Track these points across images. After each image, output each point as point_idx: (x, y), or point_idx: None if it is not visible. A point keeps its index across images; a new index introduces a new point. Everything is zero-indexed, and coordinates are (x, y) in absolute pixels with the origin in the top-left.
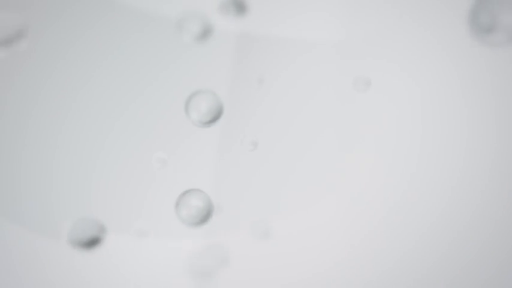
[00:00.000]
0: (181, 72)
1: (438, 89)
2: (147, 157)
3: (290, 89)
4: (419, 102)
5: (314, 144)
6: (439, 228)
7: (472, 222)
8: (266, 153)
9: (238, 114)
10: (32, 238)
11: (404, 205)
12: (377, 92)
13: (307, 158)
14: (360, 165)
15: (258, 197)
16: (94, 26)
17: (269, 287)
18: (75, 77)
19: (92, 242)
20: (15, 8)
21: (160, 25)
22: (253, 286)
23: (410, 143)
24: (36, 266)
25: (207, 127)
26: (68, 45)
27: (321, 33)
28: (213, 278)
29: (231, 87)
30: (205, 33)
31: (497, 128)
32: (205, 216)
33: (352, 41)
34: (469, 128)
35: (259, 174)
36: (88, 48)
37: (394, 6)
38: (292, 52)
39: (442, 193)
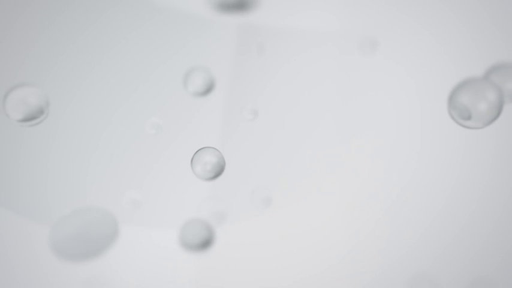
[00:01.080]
0: (181, 45)
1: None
2: (141, 123)
3: (291, 57)
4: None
5: (316, 116)
6: (443, 221)
7: (477, 209)
8: (266, 122)
9: (238, 83)
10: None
11: (412, 178)
12: (385, 55)
13: (309, 127)
14: (363, 137)
15: (258, 165)
16: None
17: (267, 254)
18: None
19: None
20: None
21: None
22: (252, 252)
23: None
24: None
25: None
26: (65, 8)
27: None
28: (211, 244)
29: (233, 57)
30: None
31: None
32: (219, 171)
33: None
34: None
35: (258, 144)
36: (84, 16)
37: None
38: (296, 23)
39: (445, 189)
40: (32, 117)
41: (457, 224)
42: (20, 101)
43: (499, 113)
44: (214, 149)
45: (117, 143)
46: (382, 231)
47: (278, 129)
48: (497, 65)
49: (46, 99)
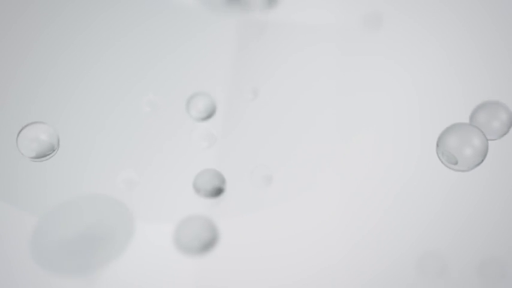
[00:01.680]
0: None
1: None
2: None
3: (293, 38)
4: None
5: (316, 96)
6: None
7: (483, 194)
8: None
9: (240, 66)
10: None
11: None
12: (389, 32)
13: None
14: (366, 129)
15: (258, 144)
16: None
17: (266, 231)
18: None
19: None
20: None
21: None
22: (251, 231)
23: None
24: None
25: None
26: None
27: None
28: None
29: (236, 40)
30: None
31: None
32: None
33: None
34: None
35: (258, 123)
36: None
37: None
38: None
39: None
40: (44, 154)
41: (461, 215)
42: (33, 139)
43: (483, 158)
44: None
45: (113, 121)
46: (384, 225)
47: (278, 109)
48: (483, 104)
49: (57, 137)
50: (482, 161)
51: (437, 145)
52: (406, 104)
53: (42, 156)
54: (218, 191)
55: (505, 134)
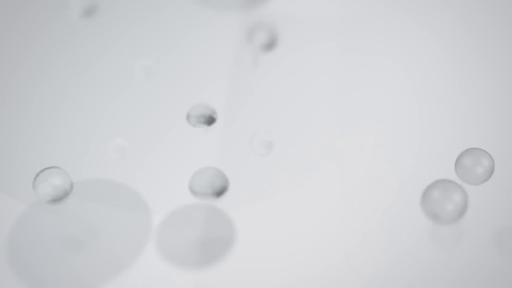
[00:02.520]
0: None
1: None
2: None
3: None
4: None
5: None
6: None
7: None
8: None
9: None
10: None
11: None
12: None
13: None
14: (365, 123)
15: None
16: None
17: (267, 197)
18: None
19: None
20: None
21: None
22: (251, 197)
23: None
24: None
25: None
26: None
27: None
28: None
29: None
30: None
31: None
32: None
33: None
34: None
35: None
36: None
37: None
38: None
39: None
40: (59, 198)
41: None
42: (48, 185)
43: (463, 215)
44: None
45: (104, 88)
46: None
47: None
48: (467, 151)
49: (71, 182)
50: (462, 216)
51: (421, 202)
52: (405, 100)
53: (57, 200)
54: (211, 120)
55: (486, 180)
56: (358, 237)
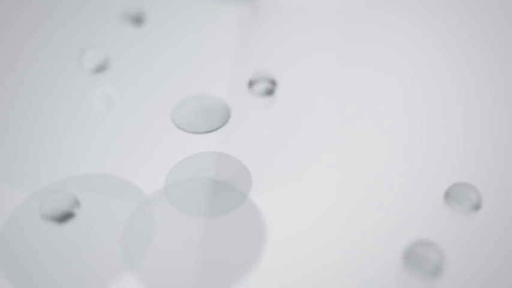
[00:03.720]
0: None
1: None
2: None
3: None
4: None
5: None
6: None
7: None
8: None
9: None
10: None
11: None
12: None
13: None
14: (366, 118)
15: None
16: None
17: (267, 143)
18: None
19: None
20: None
21: None
22: (253, 143)
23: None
24: None
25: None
26: None
27: None
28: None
29: None
30: None
31: None
32: None
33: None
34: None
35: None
36: None
37: None
38: None
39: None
40: (65, 217)
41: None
42: (55, 204)
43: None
44: None
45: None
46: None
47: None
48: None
49: (77, 202)
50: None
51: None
52: (405, 96)
53: (62, 219)
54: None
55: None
56: (358, 236)
